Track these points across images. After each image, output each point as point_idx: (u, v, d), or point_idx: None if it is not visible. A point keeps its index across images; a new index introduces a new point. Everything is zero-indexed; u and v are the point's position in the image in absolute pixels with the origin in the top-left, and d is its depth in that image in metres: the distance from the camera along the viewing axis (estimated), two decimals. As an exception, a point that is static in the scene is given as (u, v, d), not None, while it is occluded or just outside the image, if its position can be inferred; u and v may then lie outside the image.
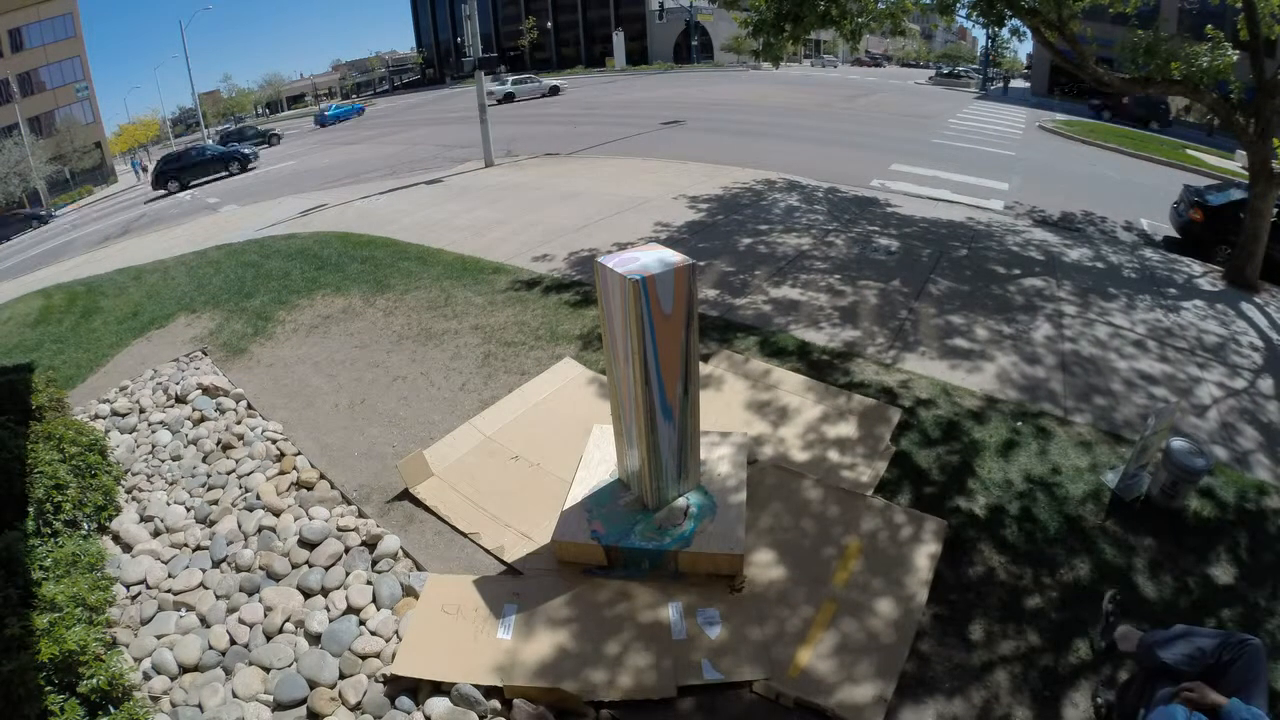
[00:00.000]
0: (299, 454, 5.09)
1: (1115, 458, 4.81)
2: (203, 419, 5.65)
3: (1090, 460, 4.78)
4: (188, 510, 4.66)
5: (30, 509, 4.20)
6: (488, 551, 4.05)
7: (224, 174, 24.96)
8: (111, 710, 3.16)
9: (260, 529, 4.36)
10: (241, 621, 3.73)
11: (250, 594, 3.90)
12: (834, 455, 4.78)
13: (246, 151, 26.50)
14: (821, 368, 5.90)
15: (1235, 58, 8.88)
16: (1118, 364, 6.19)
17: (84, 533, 4.36)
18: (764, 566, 3.88)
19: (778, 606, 3.63)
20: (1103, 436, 5.06)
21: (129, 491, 4.97)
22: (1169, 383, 5.96)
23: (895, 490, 4.47)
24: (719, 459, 4.38)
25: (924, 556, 3.90)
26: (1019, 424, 5.15)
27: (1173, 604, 3.72)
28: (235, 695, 3.34)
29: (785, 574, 3.83)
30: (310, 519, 4.37)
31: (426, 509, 4.39)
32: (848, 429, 5.06)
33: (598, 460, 4.43)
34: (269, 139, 35.79)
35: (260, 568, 4.08)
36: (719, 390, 5.55)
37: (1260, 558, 4.07)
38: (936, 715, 3.17)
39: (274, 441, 5.24)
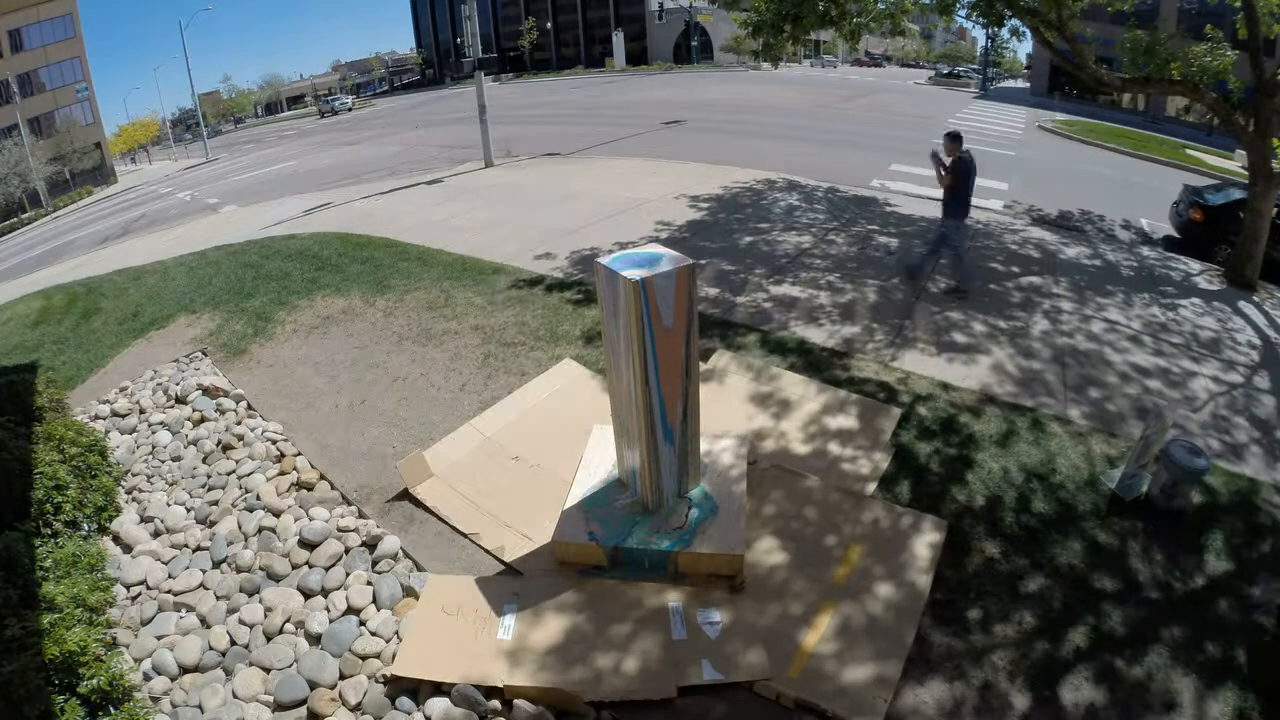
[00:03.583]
0: (299, 455, 5.09)
1: (1114, 452, 4.82)
2: (203, 419, 5.65)
3: (1089, 458, 4.79)
4: (188, 511, 4.66)
5: (30, 510, 4.20)
6: (488, 552, 4.05)
7: None
8: (112, 711, 3.16)
9: (260, 529, 4.36)
10: (242, 622, 3.73)
11: (250, 595, 3.90)
12: (834, 453, 4.78)
13: None
14: (821, 365, 5.90)
15: (1234, 57, 8.88)
16: (1117, 362, 6.19)
17: (84, 533, 4.37)
18: (765, 560, 3.88)
19: (778, 606, 3.63)
20: (1102, 434, 5.06)
21: (129, 492, 4.97)
22: (1167, 380, 5.95)
23: (896, 489, 4.47)
24: (719, 458, 4.38)
25: (924, 558, 3.90)
26: (1018, 421, 5.15)
27: (1173, 601, 3.73)
28: (235, 696, 3.34)
29: (786, 574, 3.83)
30: (310, 519, 4.37)
31: (426, 509, 4.39)
32: (848, 427, 5.06)
33: (598, 461, 4.43)
34: None
35: (260, 568, 4.08)
36: (720, 387, 5.55)
37: (1258, 554, 4.07)
38: (937, 706, 3.17)
39: (274, 442, 5.24)
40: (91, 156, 45.34)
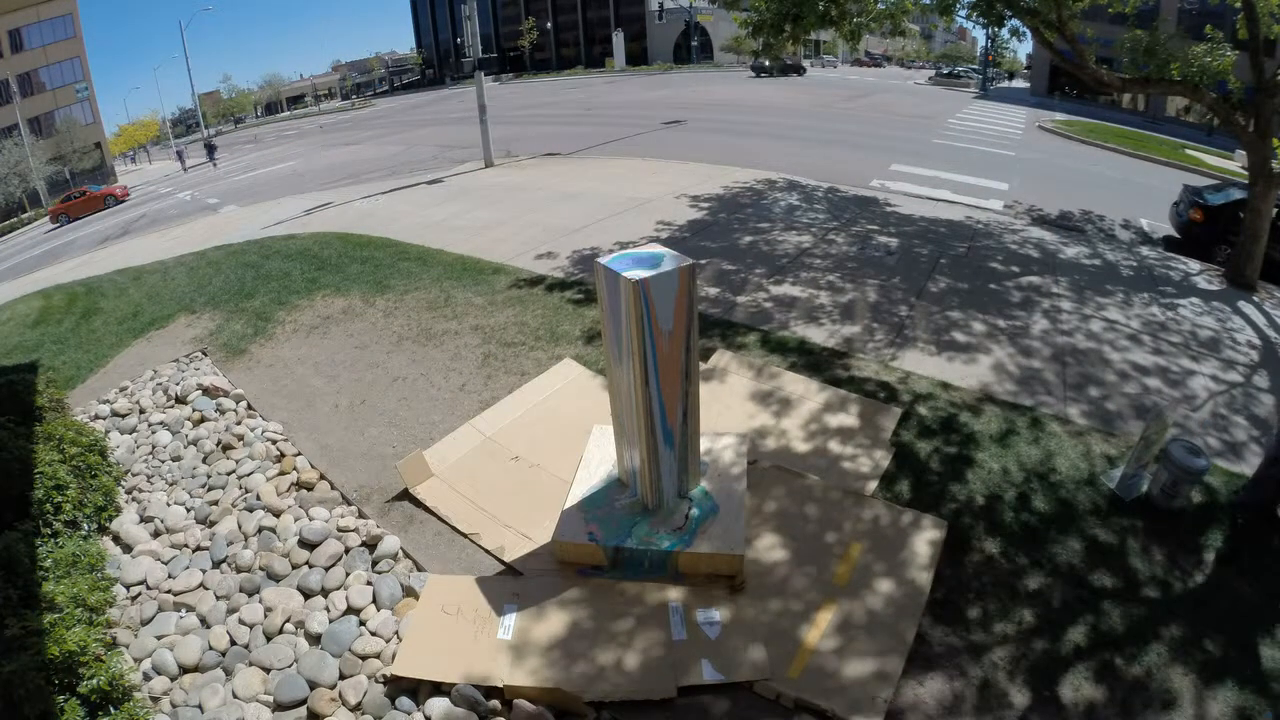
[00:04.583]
0: (299, 454, 5.09)
1: (1114, 451, 4.82)
2: (203, 419, 5.65)
3: (1089, 457, 4.79)
4: (188, 511, 4.67)
5: (31, 510, 4.20)
6: (488, 552, 4.05)
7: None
8: (112, 711, 3.16)
9: (260, 529, 4.36)
10: (241, 622, 3.73)
11: (250, 594, 3.90)
12: (835, 452, 4.78)
13: None
14: (822, 364, 5.90)
15: (1234, 58, 8.88)
16: (1116, 361, 6.19)
17: (84, 533, 4.37)
18: (766, 558, 3.88)
19: (778, 604, 3.63)
20: (1102, 433, 5.06)
21: (129, 492, 4.97)
22: (1166, 379, 5.95)
23: (897, 488, 4.47)
24: (720, 457, 4.38)
25: (924, 556, 3.90)
26: (1018, 420, 5.15)
27: (1173, 600, 3.73)
28: (235, 696, 3.34)
29: (787, 572, 3.83)
30: (310, 519, 4.37)
31: (426, 509, 4.39)
32: (849, 426, 5.06)
33: (598, 460, 4.43)
34: None
35: (260, 568, 4.08)
36: (720, 386, 5.55)
37: (1258, 554, 4.07)
38: (937, 704, 3.17)
39: (274, 442, 5.24)
40: (91, 156, 45.32)
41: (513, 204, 11.83)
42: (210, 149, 32.19)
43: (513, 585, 3.79)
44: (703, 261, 8.30)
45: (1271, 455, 4.30)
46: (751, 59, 46.86)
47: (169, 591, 4.00)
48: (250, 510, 4.55)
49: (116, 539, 4.47)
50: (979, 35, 70.09)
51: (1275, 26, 8.85)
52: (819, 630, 3.48)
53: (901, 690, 3.24)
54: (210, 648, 3.60)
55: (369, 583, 3.89)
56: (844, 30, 10.37)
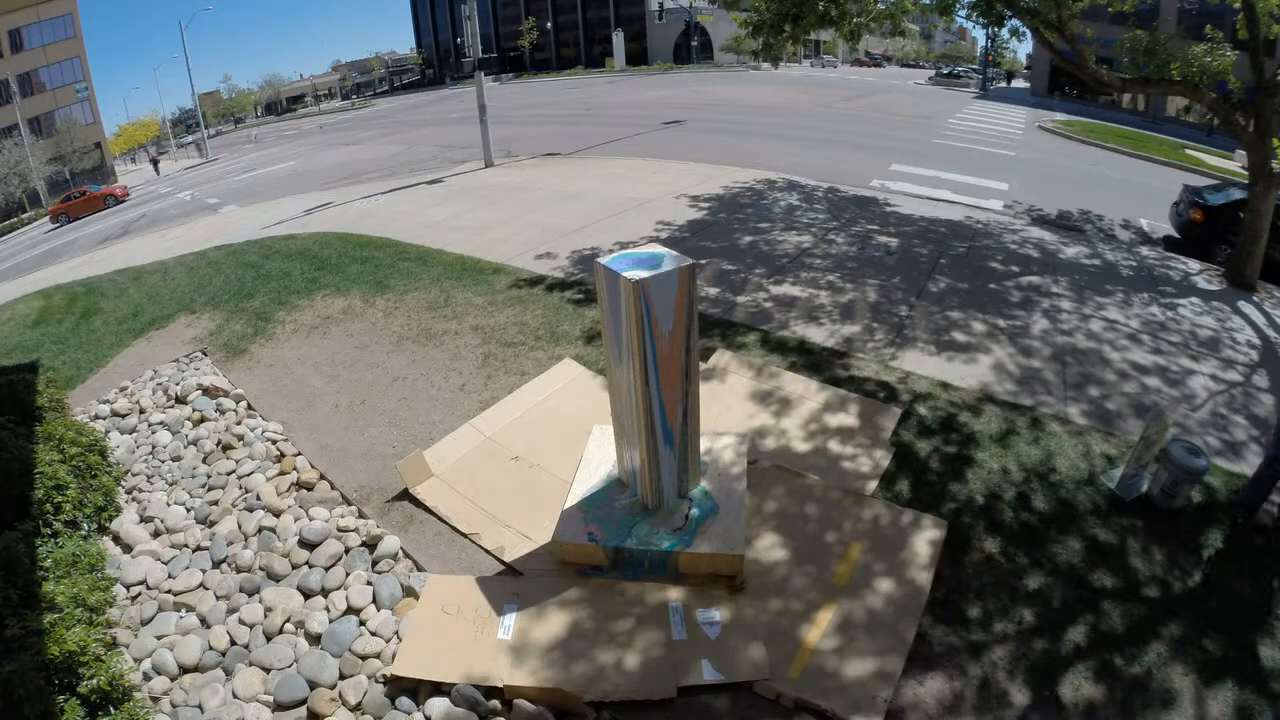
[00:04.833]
0: (299, 454, 5.09)
1: (1114, 451, 4.82)
2: (203, 419, 5.65)
3: (1089, 457, 4.79)
4: (188, 511, 4.67)
5: (31, 510, 4.20)
6: (488, 552, 4.05)
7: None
8: (112, 711, 3.16)
9: (260, 529, 4.36)
10: (241, 622, 3.73)
11: (250, 594, 3.90)
12: (835, 452, 4.78)
13: None
14: (822, 364, 5.90)
15: (1234, 58, 8.88)
16: (1116, 361, 6.19)
17: (84, 533, 4.37)
18: (766, 558, 3.88)
19: (778, 604, 3.63)
20: (1102, 433, 5.06)
21: (129, 492, 4.97)
22: (1166, 379, 5.95)
23: (897, 487, 4.47)
24: (720, 457, 4.38)
25: (924, 556, 3.90)
26: (1018, 420, 5.15)
27: (1172, 600, 3.73)
28: (235, 696, 3.34)
29: (787, 572, 3.83)
30: (310, 519, 4.37)
31: (426, 509, 4.39)
32: (849, 425, 5.06)
33: (598, 460, 4.43)
34: None
35: (260, 568, 4.08)
36: (720, 386, 5.55)
37: (1258, 554, 4.07)
38: (937, 703, 3.17)
39: (274, 442, 5.24)
40: (91, 156, 45.30)
41: (513, 204, 11.83)
42: (154, 162, 37.80)
43: (513, 585, 3.79)
44: (703, 261, 8.30)
45: (1271, 455, 4.30)
46: (751, 59, 46.87)
47: (169, 591, 4.00)
48: (250, 510, 4.55)
49: (116, 539, 4.47)
50: (979, 35, 70.06)
51: (1275, 26, 8.84)
52: (819, 630, 3.48)
53: (901, 690, 3.24)
54: (210, 648, 3.60)
55: (369, 583, 3.89)
56: (844, 30, 10.37)
